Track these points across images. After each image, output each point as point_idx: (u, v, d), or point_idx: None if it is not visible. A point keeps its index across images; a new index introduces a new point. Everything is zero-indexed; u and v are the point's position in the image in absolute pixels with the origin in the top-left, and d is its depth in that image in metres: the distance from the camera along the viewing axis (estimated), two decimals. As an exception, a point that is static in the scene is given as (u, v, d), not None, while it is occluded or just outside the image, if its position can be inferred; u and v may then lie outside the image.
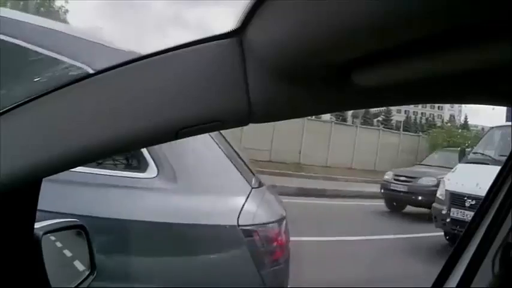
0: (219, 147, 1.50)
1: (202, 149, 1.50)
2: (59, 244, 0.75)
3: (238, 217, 1.38)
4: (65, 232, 0.77)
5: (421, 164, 8.72)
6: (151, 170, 1.41)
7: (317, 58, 0.38)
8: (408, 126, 22.56)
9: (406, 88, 0.45)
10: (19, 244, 0.60)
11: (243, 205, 1.42)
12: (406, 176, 7.52)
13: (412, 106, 23.29)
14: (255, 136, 9.41)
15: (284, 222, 1.54)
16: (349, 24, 0.31)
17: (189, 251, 1.40)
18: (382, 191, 7.69)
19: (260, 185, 1.60)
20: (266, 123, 0.50)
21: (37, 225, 0.65)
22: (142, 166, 1.42)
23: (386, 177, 7.83)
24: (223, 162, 1.51)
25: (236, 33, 0.43)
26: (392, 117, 23.22)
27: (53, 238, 0.72)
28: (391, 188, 7.52)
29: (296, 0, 0.34)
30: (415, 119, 25.10)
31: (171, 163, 1.41)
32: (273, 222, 1.48)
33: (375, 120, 22.12)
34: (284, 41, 0.38)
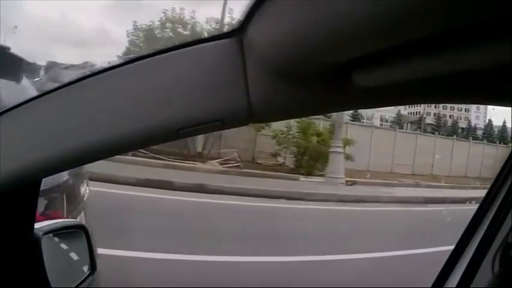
0: None
1: None
2: (59, 244, 0.75)
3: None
4: (65, 232, 0.77)
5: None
6: None
7: (317, 58, 0.38)
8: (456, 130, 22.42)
9: (406, 88, 0.45)
10: (19, 244, 0.60)
11: None
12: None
13: (441, 108, 23.26)
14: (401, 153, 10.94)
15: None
16: (349, 24, 0.31)
17: None
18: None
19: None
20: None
21: (37, 225, 0.65)
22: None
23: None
24: None
25: (236, 33, 0.43)
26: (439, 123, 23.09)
27: (53, 238, 0.72)
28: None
29: (296, 0, 0.34)
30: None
31: None
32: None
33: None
34: (284, 41, 0.38)
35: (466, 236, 0.81)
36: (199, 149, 9.17)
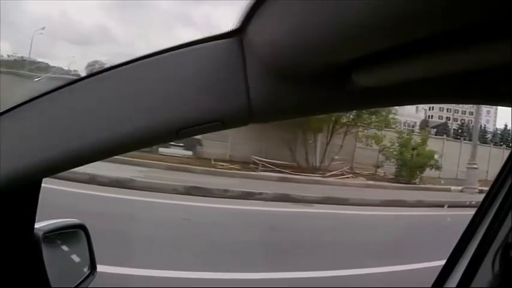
0: None
1: None
2: (59, 244, 0.75)
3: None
4: (65, 232, 0.77)
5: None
6: None
7: (317, 58, 0.38)
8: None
9: (406, 88, 0.45)
10: (19, 244, 0.60)
11: None
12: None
13: (445, 111, 23.14)
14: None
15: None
16: (349, 25, 0.31)
17: None
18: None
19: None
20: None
21: (37, 225, 0.65)
22: None
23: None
24: None
25: (236, 33, 0.43)
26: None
27: (53, 238, 0.72)
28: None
29: (296, 0, 0.34)
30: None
31: None
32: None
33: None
34: (284, 41, 0.38)
35: (466, 236, 0.81)
36: (317, 162, 9.92)
